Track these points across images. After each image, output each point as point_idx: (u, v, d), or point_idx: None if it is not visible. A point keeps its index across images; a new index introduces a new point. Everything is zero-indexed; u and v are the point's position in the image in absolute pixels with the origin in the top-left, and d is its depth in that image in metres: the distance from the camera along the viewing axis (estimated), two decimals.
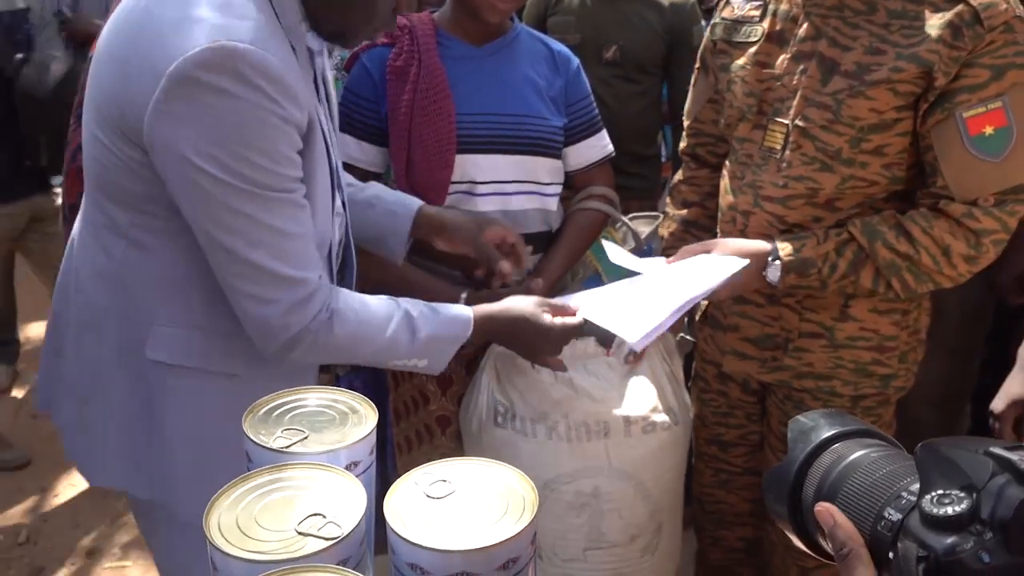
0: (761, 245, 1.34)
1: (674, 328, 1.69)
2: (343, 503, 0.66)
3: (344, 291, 1.16)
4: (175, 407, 1.15)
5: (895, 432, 1.50)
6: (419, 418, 1.78)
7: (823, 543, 0.59)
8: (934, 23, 1.20)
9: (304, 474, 0.69)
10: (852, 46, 1.26)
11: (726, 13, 1.47)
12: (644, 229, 1.80)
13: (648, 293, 1.40)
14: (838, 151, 1.29)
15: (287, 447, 0.73)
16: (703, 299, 1.38)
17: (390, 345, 1.17)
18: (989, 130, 1.19)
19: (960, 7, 1.19)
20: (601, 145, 1.75)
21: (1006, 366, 1.62)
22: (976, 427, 2.37)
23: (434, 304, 1.24)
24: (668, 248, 1.66)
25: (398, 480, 0.70)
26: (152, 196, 1.06)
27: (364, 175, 1.62)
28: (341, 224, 1.29)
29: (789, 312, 1.41)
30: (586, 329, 1.61)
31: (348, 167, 1.60)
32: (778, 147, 1.35)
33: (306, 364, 1.25)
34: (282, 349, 1.12)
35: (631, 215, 1.85)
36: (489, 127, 1.59)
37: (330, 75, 1.28)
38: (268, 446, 0.73)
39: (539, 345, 1.33)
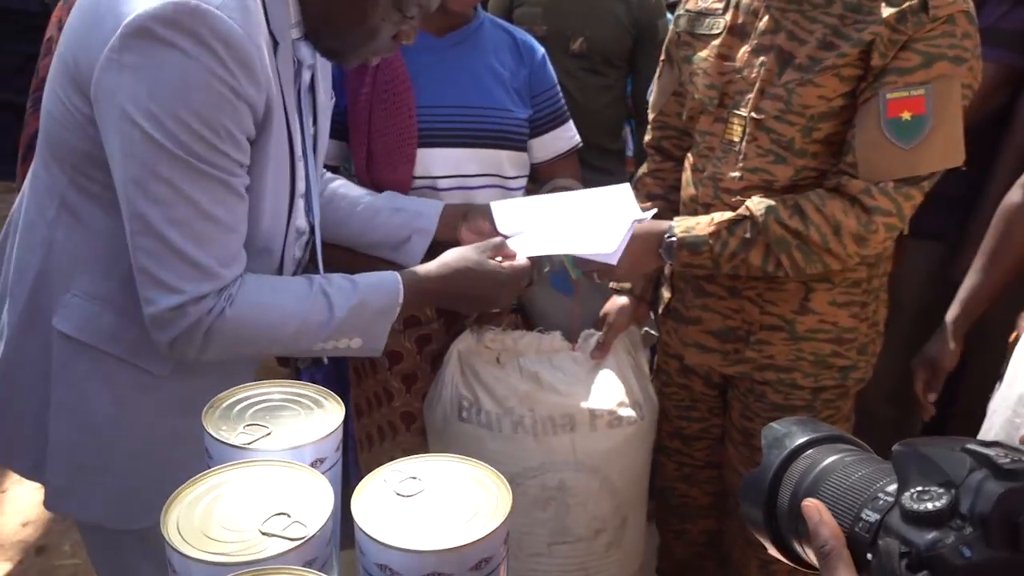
0: (660, 224, 1.36)
1: (638, 321, 1.70)
2: (309, 502, 0.64)
3: (255, 278, 1.06)
4: (66, 384, 1.08)
5: (853, 426, 1.52)
6: (382, 414, 1.75)
7: (799, 549, 0.59)
8: (884, 12, 1.21)
9: (268, 472, 0.67)
10: (807, 39, 1.27)
11: (690, 5, 1.46)
12: None
13: (575, 218, 1.39)
14: (791, 141, 1.30)
15: (249, 443, 0.71)
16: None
17: (305, 328, 1.07)
18: (906, 115, 1.19)
19: None
20: (568, 136, 1.73)
21: (961, 360, 1.67)
22: (932, 422, 2.42)
23: (355, 276, 1.14)
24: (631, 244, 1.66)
25: (366, 477, 0.68)
26: (92, 158, 1.00)
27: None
28: (304, 244, 1.22)
29: (750, 305, 1.42)
30: (548, 271, 1.63)
31: None
32: (737, 139, 1.35)
33: (239, 366, 1.18)
34: (176, 344, 1.02)
35: None
36: (451, 120, 1.57)
37: (323, 80, 1.21)
38: (229, 442, 0.70)
39: (490, 294, 1.24)
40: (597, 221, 1.39)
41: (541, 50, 1.69)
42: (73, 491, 1.11)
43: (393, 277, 1.14)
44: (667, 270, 1.59)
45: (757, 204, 1.30)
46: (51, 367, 1.08)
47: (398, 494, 0.66)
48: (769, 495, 0.61)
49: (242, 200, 1.01)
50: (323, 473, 0.72)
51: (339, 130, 1.63)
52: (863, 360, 1.43)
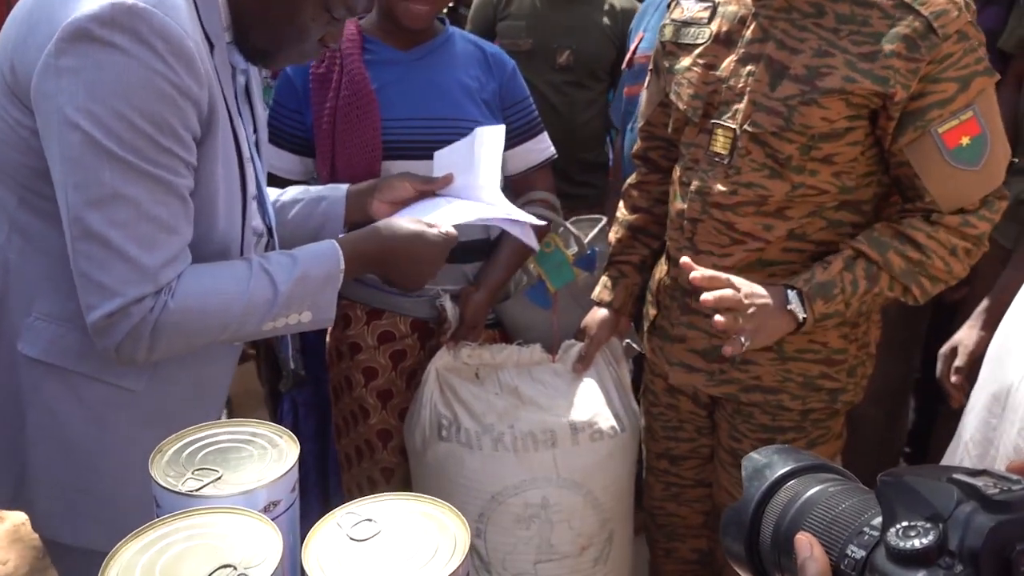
0: (773, 288, 1.28)
1: (619, 334, 1.67)
2: (257, 551, 0.61)
3: (192, 268, 1.04)
4: (39, 408, 1.06)
5: (844, 442, 1.50)
6: (359, 433, 1.73)
7: None
8: (886, 34, 1.18)
9: (215, 520, 0.64)
10: (800, 48, 1.24)
11: (676, 15, 1.43)
12: (587, 232, 1.77)
13: (480, 188, 1.38)
14: (788, 158, 1.26)
15: (198, 490, 0.68)
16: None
17: (251, 308, 1.04)
18: (966, 140, 1.19)
19: (912, 19, 1.17)
20: (541, 148, 1.71)
21: (942, 404, 1.65)
22: (919, 422, 2.41)
23: (292, 250, 1.12)
24: (616, 253, 1.63)
25: (319, 522, 0.65)
26: (40, 173, 0.98)
27: (285, 184, 1.56)
28: (264, 247, 1.22)
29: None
30: (525, 284, 1.59)
31: (270, 176, 1.54)
32: (725, 152, 1.31)
33: (214, 375, 1.17)
34: (123, 348, 0.99)
35: (574, 218, 1.82)
36: (417, 132, 1.54)
37: (258, 96, 1.22)
38: (176, 490, 0.67)
39: (423, 254, 1.21)
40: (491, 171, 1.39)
41: (511, 63, 1.67)
42: (61, 515, 1.09)
43: (330, 244, 1.13)
44: (652, 284, 1.55)
45: (865, 243, 1.26)
46: (21, 393, 1.05)
47: (352, 539, 0.63)
48: (751, 528, 0.59)
49: (184, 202, 0.99)
50: (277, 517, 0.69)
51: (305, 146, 1.61)
52: (852, 383, 1.39)
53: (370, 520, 0.65)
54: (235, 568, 0.59)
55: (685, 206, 1.38)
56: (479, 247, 1.64)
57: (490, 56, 1.64)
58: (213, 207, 1.04)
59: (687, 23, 1.39)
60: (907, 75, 1.17)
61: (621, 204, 1.64)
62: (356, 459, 1.75)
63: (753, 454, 0.63)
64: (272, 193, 1.40)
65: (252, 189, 1.14)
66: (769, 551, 0.57)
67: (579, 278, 1.72)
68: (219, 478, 0.70)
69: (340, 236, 1.17)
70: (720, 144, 1.32)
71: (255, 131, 1.20)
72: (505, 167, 1.68)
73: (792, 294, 1.25)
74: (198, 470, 0.70)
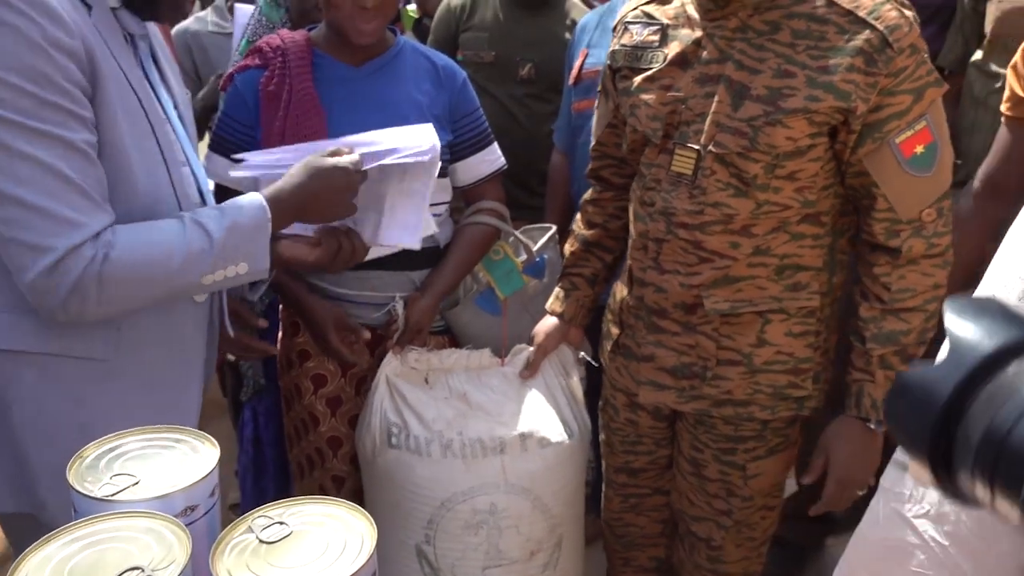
0: (848, 427, 1.36)
1: (570, 343, 1.68)
2: (166, 555, 0.62)
3: (126, 225, 1.05)
4: (21, 398, 1.06)
5: (800, 444, 1.51)
6: (310, 441, 1.73)
7: (980, 493, 0.46)
8: (843, 48, 1.21)
9: (127, 524, 0.64)
10: (760, 68, 1.26)
11: (625, 40, 1.43)
12: (537, 240, 1.79)
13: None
14: (753, 177, 1.28)
15: (113, 495, 0.68)
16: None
17: (189, 257, 1.06)
18: (920, 149, 1.25)
19: (868, 32, 1.20)
20: (491, 159, 1.71)
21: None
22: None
23: (219, 205, 1.15)
24: (569, 266, 1.64)
25: (231, 525, 0.66)
26: None
27: (229, 194, 1.56)
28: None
29: (706, 340, 1.38)
30: (475, 292, 1.59)
31: (225, 189, 1.54)
32: (688, 172, 1.32)
33: (188, 330, 1.18)
34: (69, 303, 1.00)
35: (524, 227, 1.84)
36: None
37: (165, 59, 1.23)
38: (91, 495, 0.68)
39: (338, 184, 1.22)
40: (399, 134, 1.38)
41: (463, 74, 1.67)
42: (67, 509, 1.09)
43: (253, 195, 1.15)
44: (612, 304, 1.55)
45: (877, 345, 1.31)
46: (1, 389, 1.06)
47: (262, 541, 0.64)
48: (945, 416, 0.46)
49: (85, 156, 0.99)
50: (195, 521, 0.70)
51: None
52: (816, 389, 1.42)
53: (281, 523, 0.66)
54: (143, 570, 0.60)
55: (648, 227, 1.39)
56: (427, 255, 1.65)
57: (441, 69, 1.65)
58: (127, 165, 1.04)
59: (639, 47, 1.40)
60: (866, 89, 1.20)
61: (578, 217, 1.66)
62: (308, 468, 1.75)
63: (954, 301, 0.49)
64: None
65: (179, 156, 1.15)
66: (977, 452, 0.45)
67: (529, 285, 1.74)
68: (136, 483, 0.70)
69: (261, 190, 1.19)
70: (682, 164, 1.33)
71: (175, 105, 1.20)
72: (455, 178, 1.69)
73: (875, 424, 1.34)
74: (116, 475, 0.71)
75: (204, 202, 1.24)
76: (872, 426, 1.34)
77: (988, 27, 1.73)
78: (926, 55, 1.24)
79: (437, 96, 1.62)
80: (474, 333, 1.72)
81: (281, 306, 1.77)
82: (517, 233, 1.71)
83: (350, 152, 1.25)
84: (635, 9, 1.44)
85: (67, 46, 0.96)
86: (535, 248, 1.72)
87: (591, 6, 2.41)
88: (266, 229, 1.13)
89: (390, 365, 1.62)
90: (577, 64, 2.07)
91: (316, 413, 1.70)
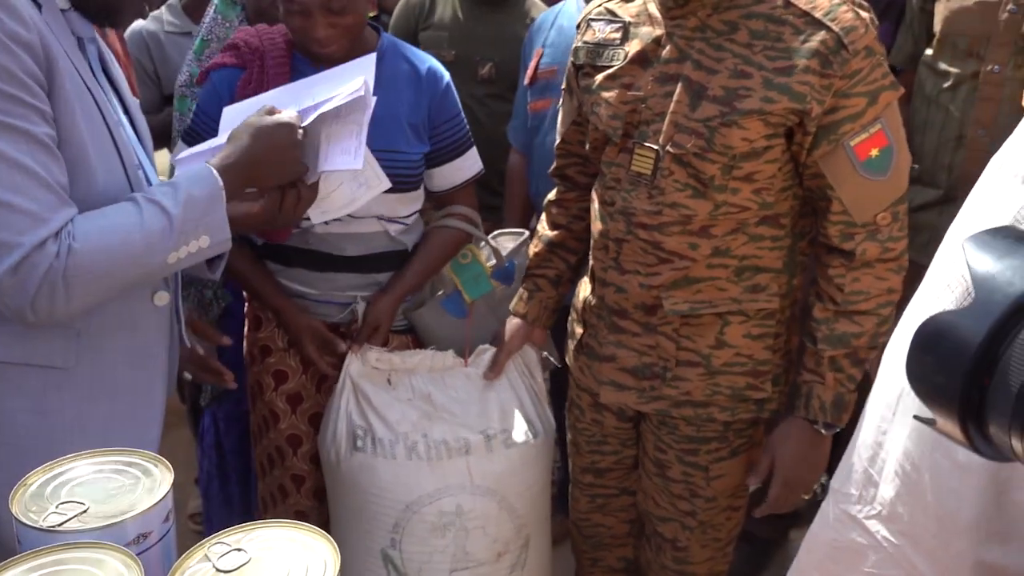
0: (796, 428, 1.35)
1: (534, 343, 1.67)
2: None
3: (82, 214, 1.03)
4: None
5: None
6: (271, 439, 1.70)
7: (1013, 442, 0.42)
8: (799, 49, 1.21)
9: (73, 556, 0.62)
10: (717, 68, 1.25)
11: (588, 37, 1.41)
12: (509, 245, 1.78)
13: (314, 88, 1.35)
14: (711, 178, 1.28)
15: (59, 525, 0.66)
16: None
17: (151, 238, 1.04)
18: (875, 152, 1.24)
19: (823, 34, 1.20)
20: (467, 166, 1.68)
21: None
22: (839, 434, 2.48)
23: (169, 180, 1.13)
24: (533, 267, 1.63)
25: (187, 554, 0.64)
26: None
27: None
28: None
29: (666, 340, 1.38)
30: (441, 295, 1.58)
31: None
32: (647, 172, 1.32)
33: (148, 343, 1.16)
34: (38, 302, 0.98)
35: (496, 232, 1.82)
36: None
37: (113, 65, 1.21)
38: (37, 526, 0.65)
39: (283, 142, 1.19)
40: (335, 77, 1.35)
41: (445, 79, 1.63)
42: None
43: (202, 165, 1.13)
44: (576, 303, 1.54)
45: (828, 346, 1.30)
46: None
47: (219, 570, 0.62)
48: (976, 365, 0.43)
49: (48, 150, 0.98)
50: (148, 549, 0.68)
51: None
52: (776, 391, 1.42)
53: (240, 550, 0.64)
54: None
55: (608, 226, 1.38)
56: (394, 257, 1.63)
57: (423, 75, 1.60)
58: (86, 160, 1.03)
59: (600, 44, 1.39)
60: (821, 91, 1.21)
61: (543, 218, 1.65)
62: (269, 467, 1.73)
63: (978, 238, 0.44)
64: None
65: (132, 158, 1.13)
66: (1020, 398, 0.41)
67: (497, 290, 1.73)
68: (85, 511, 0.68)
69: (209, 160, 1.17)
70: (642, 164, 1.32)
71: (124, 109, 1.19)
72: (430, 183, 1.66)
73: (823, 426, 1.33)
74: (63, 503, 0.68)
75: None
76: (820, 429, 1.34)
77: (937, 26, 1.76)
78: (882, 58, 1.25)
79: (417, 102, 1.59)
80: (438, 335, 1.70)
81: (246, 301, 1.74)
82: (488, 239, 1.70)
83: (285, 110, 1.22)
84: (599, 6, 1.43)
85: (24, 39, 0.95)
86: (505, 254, 1.71)
87: (552, 4, 2.39)
88: (221, 198, 1.10)
89: (352, 365, 1.60)
90: (532, 64, 2.06)
91: (276, 410, 1.68)
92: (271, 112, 1.22)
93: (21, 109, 0.95)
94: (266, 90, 1.49)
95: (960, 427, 0.47)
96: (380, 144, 1.52)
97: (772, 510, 1.41)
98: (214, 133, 1.52)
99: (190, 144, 1.55)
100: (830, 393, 1.32)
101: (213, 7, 2.01)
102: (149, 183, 1.19)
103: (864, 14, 1.23)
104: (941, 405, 0.47)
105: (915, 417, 0.68)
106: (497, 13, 2.39)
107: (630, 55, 1.34)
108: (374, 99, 1.30)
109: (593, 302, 1.47)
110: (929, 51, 1.79)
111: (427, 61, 1.63)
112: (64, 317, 1.03)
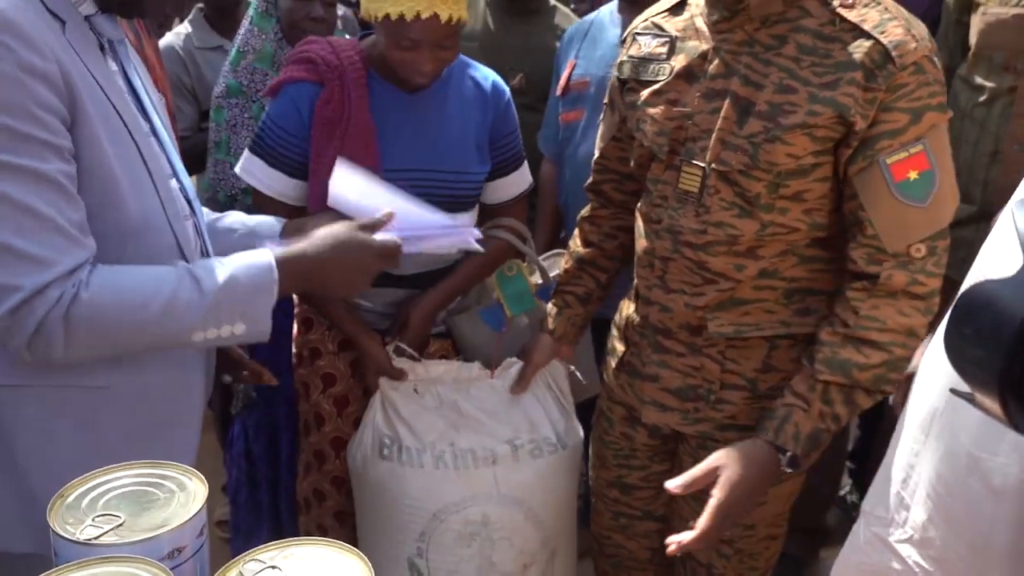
0: (757, 450, 1.22)
1: (561, 358, 1.65)
2: None
3: (111, 266, 1.01)
4: (24, 431, 1.04)
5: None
6: (312, 442, 1.72)
7: None
8: (845, 62, 1.17)
9: (109, 571, 0.63)
10: (764, 83, 1.22)
11: (633, 51, 1.39)
12: (557, 268, 1.78)
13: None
14: (756, 196, 1.23)
15: (96, 538, 0.67)
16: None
17: (173, 310, 1.00)
18: (913, 175, 1.16)
19: (869, 44, 1.16)
20: (519, 181, 1.70)
21: (883, 421, 1.64)
22: (863, 438, 2.45)
23: (224, 257, 1.08)
24: (563, 283, 1.60)
25: (221, 572, 0.65)
26: None
27: (270, 202, 1.56)
28: (192, 229, 1.19)
29: (711, 362, 1.34)
30: (480, 306, 1.60)
31: (261, 197, 1.56)
32: (695, 190, 1.28)
33: (188, 363, 1.15)
34: (35, 344, 0.97)
35: (547, 253, 1.82)
36: (415, 184, 1.46)
37: (144, 76, 1.19)
38: (73, 538, 0.67)
39: (362, 263, 1.17)
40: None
41: (507, 94, 1.64)
42: None
43: (263, 251, 1.09)
44: (619, 320, 1.51)
45: (826, 370, 1.21)
46: (2, 424, 1.03)
47: None
48: (1021, 335, 0.41)
49: (59, 188, 0.95)
50: (181, 564, 0.69)
51: (300, 171, 1.57)
52: None
53: (274, 567, 0.65)
54: None
55: (655, 244, 1.35)
56: (447, 273, 1.65)
57: (488, 92, 1.61)
58: (115, 189, 1.01)
59: (646, 59, 1.37)
60: (865, 105, 1.16)
61: (575, 234, 1.63)
62: (310, 468, 1.74)
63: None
64: (208, 216, 1.39)
65: (165, 168, 1.11)
66: None
67: (540, 308, 1.72)
68: (121, 524, 0.69)
69: (275, 249, 1.13)
70: (689, 182, 1.29)
71: (155, 109, 1.17)
72: (485, 196, 1.68)
73: (786, 460, 1.22)
74: (99, 516, 0.70)
75: (193, 211, 1.20)
76: (783, 462, 1.21)
77: (973, 39, 1.73)
78: (934, 79, 1.18)
79: (483, 120, 1.61)
80: (472, 344, 1.71)
81: (297, 304, 1.76)
82: (536, 257, 1.71)
83: (389, 232, 1.20)
84: (646, 20, 1.41)
85: (41, 70, 0.93)
86: (552, 274, 1.71)
87: (579, 16, 2.40)
88: (270, 291, 1.07)
89: (386, 379, 1.61)
90: (565, 75, 2.07)
91: (322, 412, 1.70)
92: (371, 227, 1.18)
93: (32, 147, 0.93)
94: (348, 114, 1.50)
95: (1000, 401, 0.45)
96: (453, 166, 1.56)
97: (691, 544, 1.21)
98: (289, 149, 1.55)
99: (258, 154, 1.57)
100: (810, 424, 1.21)
101: (248, 19, 2.04)
102: (184, 190, 1.18)
103: (917, 32, 1.18)
104: (980, 379, 0.46)
105: (952, 391, 0.65)
106: (526, 24, 2.40)
107: (676, 70, 1.31)
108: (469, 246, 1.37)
109: (636, 320, 1.44)
110: (964, 64, 1.77)
111: (490, 77, 1.64)
112: (64, 361, 1.00)
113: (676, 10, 1.38)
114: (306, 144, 1.54)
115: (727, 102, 1.25)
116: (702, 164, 1.27)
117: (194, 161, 2.04)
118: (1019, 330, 0.42)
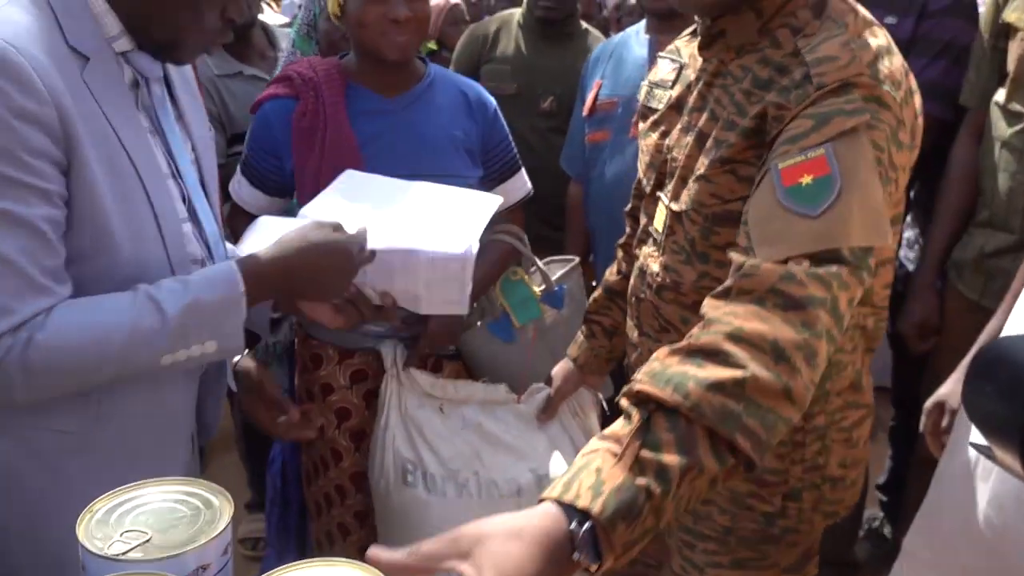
0: (538, 521, 0.76)
1: (589, 386, 1.62)
2: None
3: (68, 301, 0.96)
4: None
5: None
6: (330, 478, 1.70)
7: None
8: (779, 90, 1.01)
9: None
10: (720, 117, 1.08)
11: (652, 76, 1.31)
12: (558, 272, 1.78)
13: (423, 210, 1.32)
14: (692, 241, 1.11)
15: (123, 554, 0.67)
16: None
17: (137, 337, 0.96)
18: (807, 179, 0.92)
19: (795, 66, 1.00)
20: (517, 187, 1.70)
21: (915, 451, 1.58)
22: (895, 469, 2.40)
23: (188, 276, 1.03)
24: (591, 311, 1.52)
25: None
26: None
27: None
28: None
29: None
30: (486, 320, 1.55)
31: (240, 210, 1.58)
32: (660, 229, 1.19)
33: (169, 412, 1.10)
34: None
35: (547, 259, 1.81)
36: None
37: (190, 95, 1.17)
38: (101, 553, 0.67)
39: (334, 263, 1.11)
40: (447, 218, 1.31)
41: (492, 104, 1.66)
42: None
43: (227, 266, 1.04)
44: (630, 359, 1.36)
45: (651, 382, 0.82)
46: None
47: None
48: None
49: (35, 234, 0.92)
50: None
51: (280, 189, 1.61)
52: (796, 508, 1.17)
53: None
54: None
55: (632, 283, 1.29)
56: None
57: (472, 100, 1.63)
58: (107, 233, 0.98)
59: (657, 85, 1.29)
60: (772, 122, 1.00)
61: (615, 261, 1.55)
62: (326, 507, 1.72)
63: None
64: (231, 251, 1.34)
65: (178, 211, 1.08)
66: None
67: (546, 315, 1.72)
68: (148, 541, 0.69)
69: (239, 258, 1.08)
70: (658, 220, 1.20)
71: (192, 147, 1.14)
72: None
73: (581, 535, 0.74)
74: (127, 532, 0.70)
75: (211, 256, 1.16)
76: (577, 555, 0.74)
77: (1010, 66, 1.71)
78: (865, 98, 0.96)
79: (470, 128, 1.61)
80: (485, 359, 1.70)
81: (297, 341, 1.76)
82: (537, 261, 1.70)
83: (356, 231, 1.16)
84: (673, 43, 1.33)
85: (32, 115, 0.90)
86: (554, 277, 1.71)
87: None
88: (238, 305, 1.03)
89: (405, 396, 1.59)
90: (591, 95, 2.07)
91: (339, 448, 1.68)
92: (340, 229, 1.13)
93: (13, 190, 0.90)
94: (324, 123, 1.50)
95: (1020, 458, 0.44)
96: (441, 169, 1.55)
97: None
98: (268, 165, 1.58)
99: (244, 174, 1.60)
100: (614, 478, 0.76)
101: (291, 41, 2.08)
102: (202, 233, 1.14)
103: (863, 53, 0.98)
104: (1000, 435, 0.45)
105: (971, 444, 0.61)
106: (559, 47, 2.42)
107: (671, 99, 1.23)
108: (473, 255, 1.26)
109: (629, 361, 1.36)
110: (1001, 92, 1.74)
111: (474, 87, 1.67)
112: (27, 404, 0.97)
113: (696, 33, 1.24)
114: (282, 161, 1.57)
115: (691, 137, 1.13)
116: (666, 202, 1.18)
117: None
118: None
